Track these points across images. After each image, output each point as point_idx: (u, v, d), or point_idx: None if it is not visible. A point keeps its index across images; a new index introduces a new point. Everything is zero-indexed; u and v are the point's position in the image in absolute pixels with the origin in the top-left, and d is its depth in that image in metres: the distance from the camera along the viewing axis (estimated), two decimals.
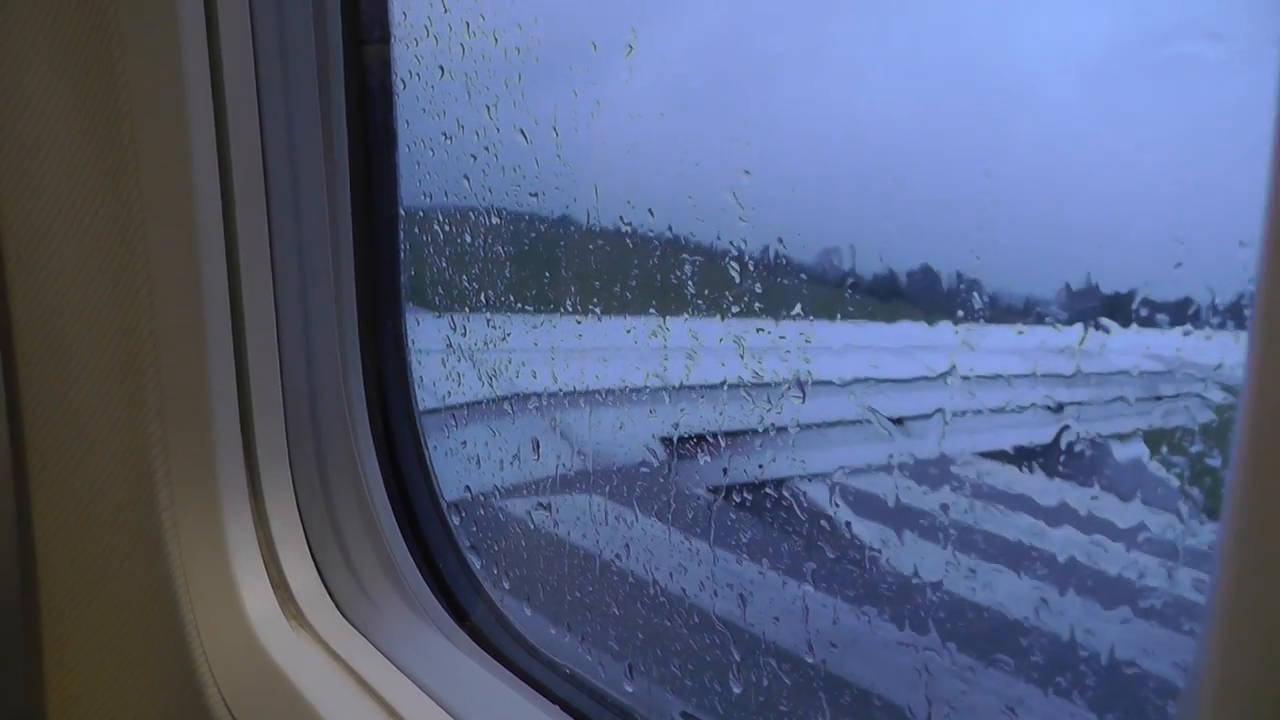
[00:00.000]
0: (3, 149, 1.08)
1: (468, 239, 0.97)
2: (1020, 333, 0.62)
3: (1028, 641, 0.73)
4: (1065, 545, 0.69)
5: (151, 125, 0.92)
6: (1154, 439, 0.60)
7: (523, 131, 0.84)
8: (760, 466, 0.84)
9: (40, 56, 1.00)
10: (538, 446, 1.00)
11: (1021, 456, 0.68)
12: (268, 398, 0.98)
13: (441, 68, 0.91)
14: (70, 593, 1.17)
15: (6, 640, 1.23)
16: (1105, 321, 0.58)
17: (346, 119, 0.97)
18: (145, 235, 0.96)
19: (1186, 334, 0.54)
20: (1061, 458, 0.66)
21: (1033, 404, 0.66)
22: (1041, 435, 0.67)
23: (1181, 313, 0.54)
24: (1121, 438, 0.62)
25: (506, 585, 1.03)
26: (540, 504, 1.02)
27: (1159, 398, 0.57)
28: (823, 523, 0.84)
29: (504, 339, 0.99)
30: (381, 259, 1.00)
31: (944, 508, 0.72)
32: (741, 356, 0.78)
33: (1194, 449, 0.57)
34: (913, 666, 0.76)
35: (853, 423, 0.77)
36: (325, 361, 0.99)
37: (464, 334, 1.01)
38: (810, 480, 0.85)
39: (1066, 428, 0.65)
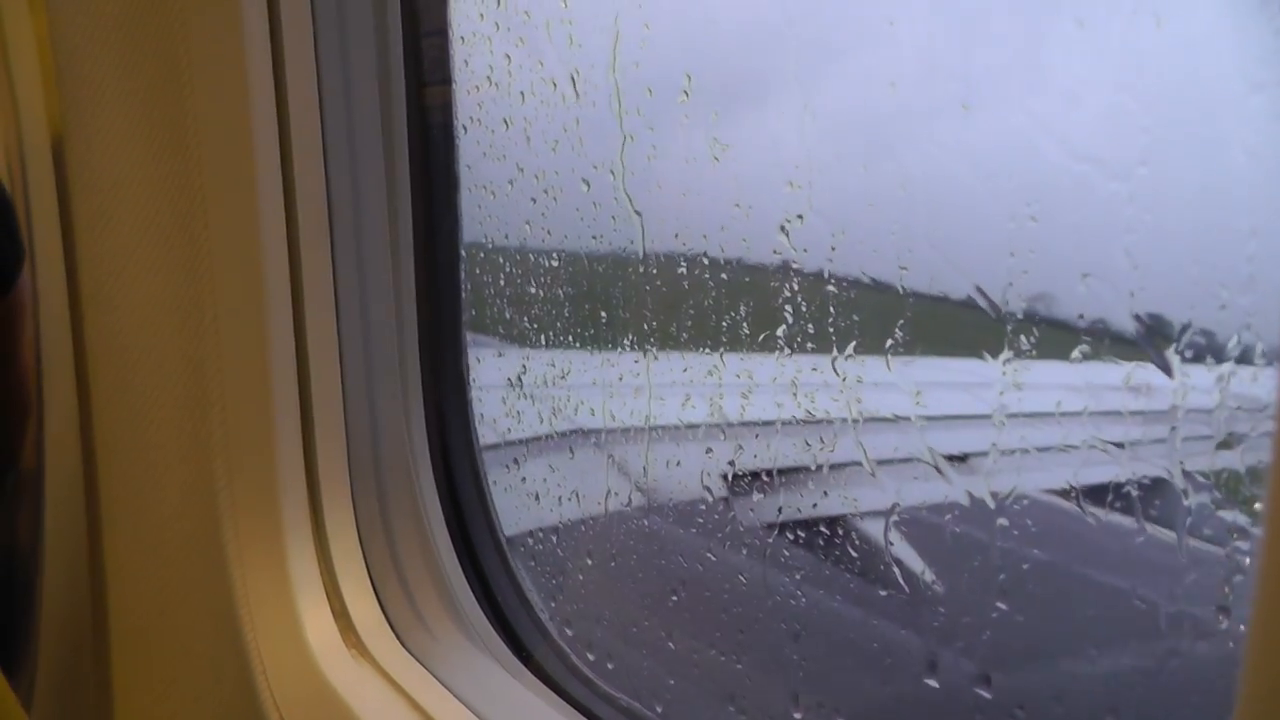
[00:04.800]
0: (83, 192, 1.14)
1: (527, 279, 1.01)
2: (1072, 364, 0.64)
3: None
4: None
5: (220, 170, 0.98)
6: (1206, 478, 0.62)
7: (585, 181, 0.88)
8: (814, 505, 0.86)
9: (117, 104, 1.06)
10: (600, 488, 1.03)
11: (1078, 495, 0.70)
12: (330, 433, 1.02)
13: (505, 120, 0.96)
14: (138, 620, 1.22)
15: (77, 665, 1.28)
16: (1152, 360, 0.60)
17: (409, 161, 1.01)
18: (213, 276, 1.01)
19: (1231, 374, 0.55)
20: (1115, 496, 0.68)
21: (1084, 442, 0.67)
22: (1095, 474, 0.69)
23: (1226, 352, 0.56)
24: (1176, 476, 0.64)
25: (565, 620, 1.06)
26: (600, 538, 1.05)
27: (1206, 437, 0.59)
28: (881, 565, 0.86)
29: (563, 376, 1.02)
30: (443, 298, 1.05)
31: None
32: (795, 395, 0.81)
33: (1244, 488, 0.59)
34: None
35: (906, 460, 0.79)
36: (387, 398, 1.04)
37: (524, 371, 1.05)
38: (865, 518, 0.87)
39: (1120, 467, 0.67)
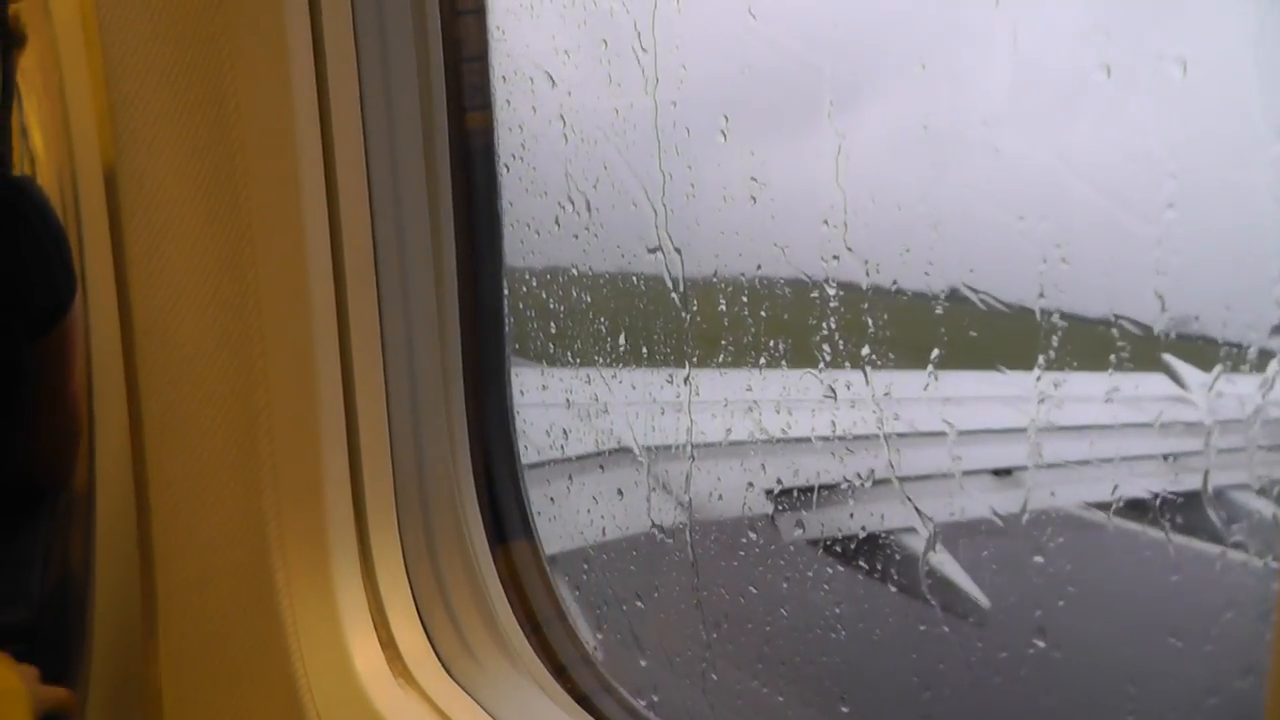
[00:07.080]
0: (134, 228, 1.19)
1: (570, 314, 1.04)
2: (1114, 388, 0.65)
3: None
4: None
5: (268, 207, 1.01)
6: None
7: (630, 226, 0.91)
8: (852, 518, 0.88)
9: (168, 142, 1.11)
10: (644, 501, 1.05)
11: (1129, 508, 0.71)
12: (377, 463, 1.05)
13: (550, 153, 0.99)
14: (188, 645, 1.26)
15: (128, 687, 1.32)
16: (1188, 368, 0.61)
17: (452, 193, 1.04)
18: (261, 310, 1.04)
19: (1262, 408, 0.57)
20: (1165, 508, 0.69)
21: (1135, 454, 0.69)
22: (1146, 485, 0.70)
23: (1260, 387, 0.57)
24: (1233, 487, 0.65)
25: (613, 648, 1.08)
26: (645, 560, 1.07)
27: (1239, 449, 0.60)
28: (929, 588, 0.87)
29: (605, 411, 1.05)
30: (487, 329, 1.08)
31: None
32: (834, 421, 0.83)
33: None
34: None
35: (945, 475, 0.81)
36: (432, 429, 1.07)
37: (568, 401, 1.08)
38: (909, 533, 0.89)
39: (1171, 478, 0.68)
